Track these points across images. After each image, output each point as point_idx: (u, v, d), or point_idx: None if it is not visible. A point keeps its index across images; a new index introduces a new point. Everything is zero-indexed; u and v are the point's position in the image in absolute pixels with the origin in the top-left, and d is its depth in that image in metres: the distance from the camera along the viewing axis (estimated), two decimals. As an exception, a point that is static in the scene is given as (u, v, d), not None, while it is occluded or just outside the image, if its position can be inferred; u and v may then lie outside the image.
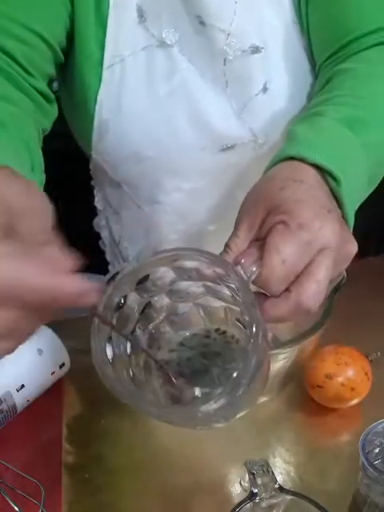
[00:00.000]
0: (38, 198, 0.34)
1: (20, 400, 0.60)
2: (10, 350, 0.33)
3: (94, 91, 0.66)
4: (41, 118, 0.62)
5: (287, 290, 0.41)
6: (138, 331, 0.44)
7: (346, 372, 0.60)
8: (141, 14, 0.64)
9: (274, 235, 0.41)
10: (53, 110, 0.66)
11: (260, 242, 0.43)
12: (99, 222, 0.87)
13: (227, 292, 0.42)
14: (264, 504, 0.46)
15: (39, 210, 0.34)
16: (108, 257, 0.91)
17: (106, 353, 0.39)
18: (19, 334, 0.33)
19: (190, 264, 0.41)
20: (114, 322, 0.41)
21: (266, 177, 0.47)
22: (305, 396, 0.63)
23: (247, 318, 0.38)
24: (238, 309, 0.43)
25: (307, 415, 0.63)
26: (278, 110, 0.67)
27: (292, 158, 0.46)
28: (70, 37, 0.65)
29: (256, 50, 0.65)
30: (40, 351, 0.62)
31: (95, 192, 0.85)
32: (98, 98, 0.66)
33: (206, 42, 0.64)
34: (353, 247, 0.44)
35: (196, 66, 0.66)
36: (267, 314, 0.41)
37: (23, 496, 0.54)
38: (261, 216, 0.43)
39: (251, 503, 0.45)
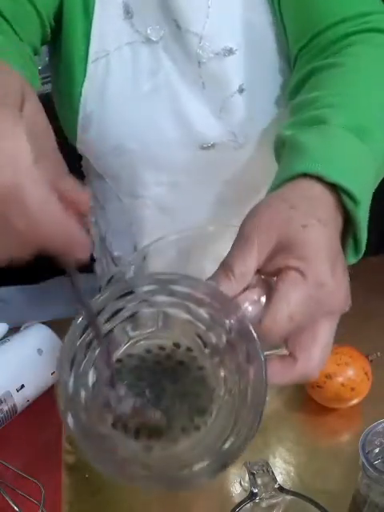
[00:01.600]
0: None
1: (20, 400, 0.60)
2: None
3: (79, 84, 0.67)
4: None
5: (291, 354, 0.38)
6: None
7: (346, 372, 0.60)
8: (127, 11, 0.66)
9: (287, 283, 0.36)
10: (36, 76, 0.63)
11: (262, 275, 0.39)
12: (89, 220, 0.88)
13: (206, 316, 0.37)
14: (264, 504, 0.46)
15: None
16: (96, 254, 0.91)
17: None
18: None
19: (182, 289, 0.36)
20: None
21: (283, 198, 0.40)
22: (305, 396, 0.63)
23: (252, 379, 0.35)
24: (203, 327, 0.38)
25: (307, 415, 0.63)
26: (256, 110, 0.68)
27: (305, 174, 0.41)
28: (57, 30, 0.65)
29: (229, 52, 0.65)
30: (40, 351, 0.62)
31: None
32: (83, 90, 0.67)
33: (182, 44, 0.65)
34: (347, 306, 0.40)
35: (177, 65, 0.67)
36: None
37: (23, 496, 0.54)
38: (273, 246, 0.38)
39: (251, 503, 0.45)
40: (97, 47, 0.65)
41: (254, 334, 0.35)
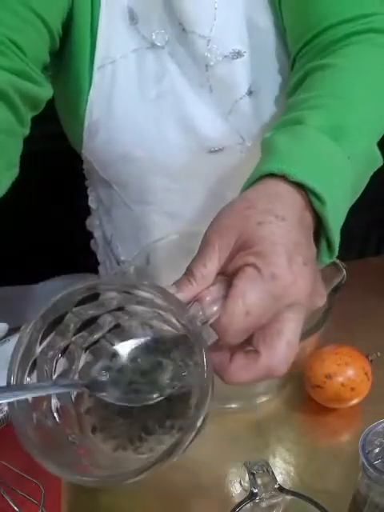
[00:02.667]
0: None
1: (20, 400, 0.60)
2: None
3: (86, 92, 0.66)
4: (33, 96, 0.59)
5: (256, 351, 0.37)
6: (73, 348, 0.39)
7: (346, 372, 0.60)
8: (132, 16, 0.65)
9: (243, 280, 0.37)
10: (46, 92, 0.62)
11: (224, 276, 0.39)
12: (93, 222, 0.88)
13: (179, 325, 0.38)
14: (264, 504, 0.46)
15: None
16: (100, 257, 0.91)
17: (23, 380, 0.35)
18: None
19: (143, 294, 0.37)
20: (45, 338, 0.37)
21: (244, 199, 0.41)
22: (305, 396, 0.63)
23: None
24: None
25: (307, 415, 0.63)
26: (265, 112, 0.67)
27: (273, 174, 0.42)
28: (64, 35, 0.64)
29: (238, 54, 0.65)
30: (40, 351, 0.62)
31: (89, 191, 0.85)
32: (89, 98, 0.66)
33: (189, 48, 0.65)
34: (320, 301, 0.40)
35: (183, 70, 0.66)
36: (231, 378, 0.38)
37: (23, 496, 0.54)
38: (231, 247, 0.39)
39: (251, 503, 0.45)
40: (103, 54, 0.65)
41: (200, 331, 0.36)
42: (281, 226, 0.39)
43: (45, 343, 0.37)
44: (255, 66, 0.66)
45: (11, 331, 0.67)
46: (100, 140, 0.69)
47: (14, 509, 0.52)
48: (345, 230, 0.45)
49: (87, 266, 1.04)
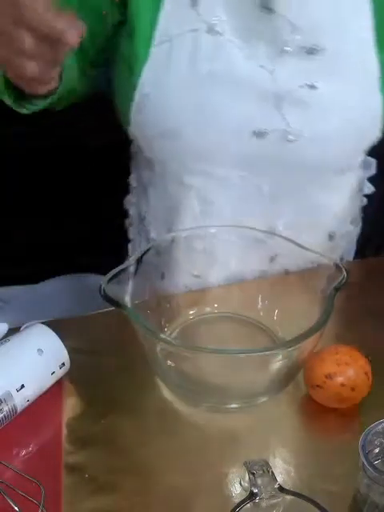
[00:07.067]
0: None
1: (20, 400, 0.60)
2: (36, 73, 0.46)
3: (140, 65, 0.69)
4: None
5: None
6: None
7: (346, 372, 0.60)
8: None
9: None
10: (82, 87, 0.70)
11: None
12: (130, 199, 0.90)
13: None
14: (264, 504, 0.46)
15: None
16: (131, 234, 0.92)
17: None
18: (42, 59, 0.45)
19: None
20: None
21: None
22: (305, 396, 0.63)
23: None
24: None
25: (307, 415, 0.63)
26: (318, 111, 0.68)
27: None
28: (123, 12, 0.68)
29: (315, 50, 0.66)
30: (40, 351, 0.62)
31: (132, 169, 0.87)
32: (143, 72, 0.69)
33: (266, 29, 0.66)
34: None
35: (244, 51, 0.67)
36: None
37: (23, 496, 0.53)
38: None
39: (251, 503, 0.45)
40: (162, 32, 0.67)
41: None
42: None
43: None
44: (328, 67, 0.67)
45: (11, 331, 0.67)
46: (148, 114, 0.71)
47: (13, 509, 0.52)
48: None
49: (88, 265, 1.04)
